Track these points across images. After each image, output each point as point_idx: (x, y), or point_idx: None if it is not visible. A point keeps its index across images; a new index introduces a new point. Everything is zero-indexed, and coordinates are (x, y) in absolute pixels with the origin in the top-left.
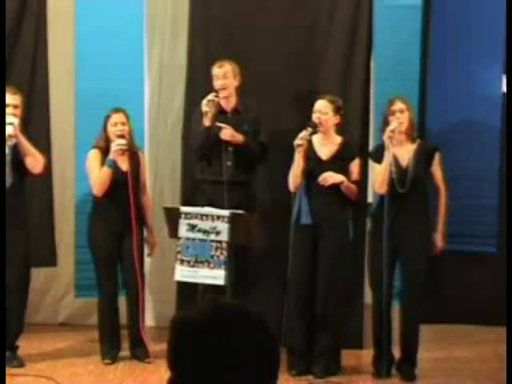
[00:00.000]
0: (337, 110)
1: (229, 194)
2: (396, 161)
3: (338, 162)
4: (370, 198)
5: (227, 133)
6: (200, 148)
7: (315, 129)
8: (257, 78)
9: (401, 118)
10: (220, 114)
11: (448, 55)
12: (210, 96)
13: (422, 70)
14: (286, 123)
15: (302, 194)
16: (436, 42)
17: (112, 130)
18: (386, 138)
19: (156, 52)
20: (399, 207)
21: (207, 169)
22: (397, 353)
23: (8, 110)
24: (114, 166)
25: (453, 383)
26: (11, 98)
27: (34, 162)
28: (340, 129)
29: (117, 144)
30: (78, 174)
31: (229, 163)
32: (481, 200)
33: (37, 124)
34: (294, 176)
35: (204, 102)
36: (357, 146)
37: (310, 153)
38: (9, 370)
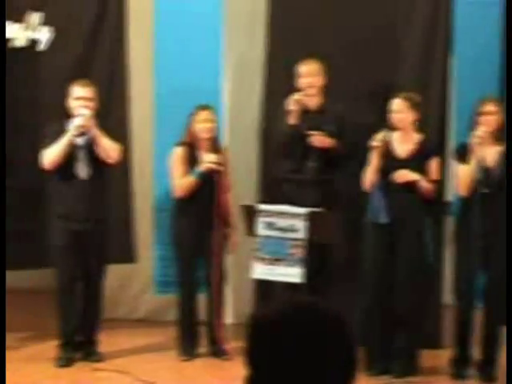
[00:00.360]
0: (413, 107)
1: (310, 193)
2: (482, 161)
3: (417, 160)
4: (449, 197)
5: (318, 140)
6: (283, 146)
7: (392, 129)
8: (333, 75)
9: (489, 120)
10: (304, 112)
11: None
12: (296, 95)
13: (505, 69)
14: (363, 121)
15: (378, 192)
16: None
17: (198, 128)
18: (473, 142)
19: (235, 48)
20: (484, 208)
21: (289, 167)
22: (476, 353)
23: (80, 103)
24: (201, 177)
25: None
26: (83, 91)
27: (108, 151)
28: (418, 126)
29: (209, 161)
30: (157, 170)
31: (312, 163)
32: None
33: (116, 121)
34: (370, 175)
35: (289, 101)
36: (436, 144)
37: (388, 151)
38: (89, 365)
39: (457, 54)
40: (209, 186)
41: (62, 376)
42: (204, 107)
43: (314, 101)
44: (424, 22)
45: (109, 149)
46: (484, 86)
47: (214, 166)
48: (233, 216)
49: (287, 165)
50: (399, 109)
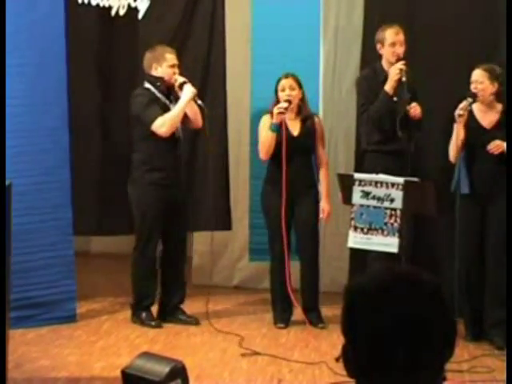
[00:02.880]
0: (494, 78)
1: (402, 163)
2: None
3: (502, 129)
4: None
5: (419, 111)
6: (380, 116)
7: (474, 99)
8: (428, 46)
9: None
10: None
11: None
12: (401, 64)
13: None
14: (450, 93)
15: (462, 162)
16: None
17: (280, 95)
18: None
19: (332, 14)
20: None
21: (380, 138)
22: None
23: (175, 70)
24: (278, 130)
25: None
26: (175, 58)
27: (196, 116)
28: (500, 97)
29: (277, 107)
30: (253, 138)
31: (400, 133)
32: None
33: (213, 89)
34: (455, 146)
35: (396, 70)
36: None
37: (472, 122)
38: (185, 330)
39: None
40: (298, 154)
41: (159, 340)
42: (287, 75)
43: None
44: None
45: (196, 113)
46: None
47: (281, 110)
48: (326, 184)
49: (377, 136)
50: (479, 79)
